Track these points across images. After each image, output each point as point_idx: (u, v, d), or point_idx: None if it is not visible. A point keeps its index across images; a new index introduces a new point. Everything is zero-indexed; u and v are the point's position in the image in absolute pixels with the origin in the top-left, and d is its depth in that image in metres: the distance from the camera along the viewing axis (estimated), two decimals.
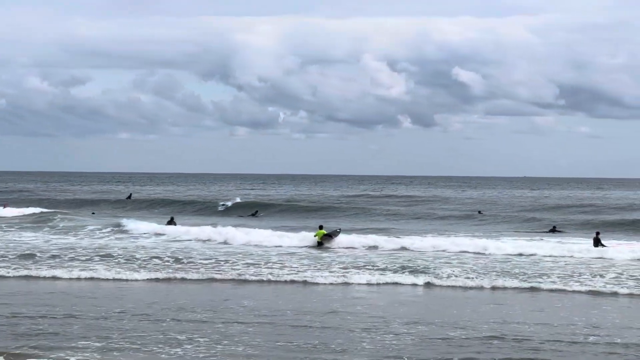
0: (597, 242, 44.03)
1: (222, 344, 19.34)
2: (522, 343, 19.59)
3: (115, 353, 18.23)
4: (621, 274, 32.93)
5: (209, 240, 46.21)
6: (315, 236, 46.24)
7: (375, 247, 43.05)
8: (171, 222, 55.36)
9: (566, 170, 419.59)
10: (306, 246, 43.83)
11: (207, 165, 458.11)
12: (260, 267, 34.52)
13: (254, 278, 31.72)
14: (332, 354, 18.47)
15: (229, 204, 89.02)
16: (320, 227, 48.27)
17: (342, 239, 45.48)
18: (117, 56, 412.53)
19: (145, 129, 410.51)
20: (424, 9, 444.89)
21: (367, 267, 34.68)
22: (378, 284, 30.76)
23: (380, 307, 25.60)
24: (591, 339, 20.31)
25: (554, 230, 61.63)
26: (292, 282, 31.23)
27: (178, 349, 18.68)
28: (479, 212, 77.69)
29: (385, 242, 44.35)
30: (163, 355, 18.21)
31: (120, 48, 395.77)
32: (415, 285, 30.64)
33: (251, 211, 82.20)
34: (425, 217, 74.79)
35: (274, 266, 34.90)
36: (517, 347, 19.21)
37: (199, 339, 19.73)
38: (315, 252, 41.30)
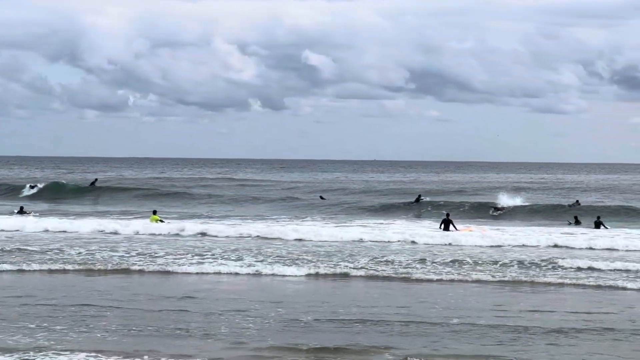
0: (447, 224, 44.58)
1: (77, 330, 18.71)
2: (386, 326, 19.53)
3: None
4: (468, 258, 33.01)
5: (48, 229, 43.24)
6: (149, 221, 45.02)
7: (211, 235, 41.46)
8: (21, 211, 52.61)
9: (416, 153, 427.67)
10: (143, 232, 41.97)
11: (55, 149, 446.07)
12: (107, 253, 33.29)
13: (102, 267, 30.03)
14: (191, 338, 18.07)
15: (41, 185, 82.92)
16: (154, 212, 47.12)
17: (176, 225, 44.08)
18: None
19: None
20: None
21: (214, 254, 33.31)
22: (218, 273, 29.25)
23: (235, 292, 25.23)
24: (455, 320, 20.38)
25: (418, 199, 62.79)
26: (132, 270, 29.67)
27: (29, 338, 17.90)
28: (321, 197, 75.73)
29: (220, 228, 43.07)
30: (10, 342, 17.43)
31: None
32: (260, 274, 29.28)
33: (90, 181, 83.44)
34: (270, 201, 73.34)
35: (121, 252, 33.48)
36: (380, 330, 19.16)
37: (53, 327, 18.97)
38: (160, 239, 39.70)
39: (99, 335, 18.30)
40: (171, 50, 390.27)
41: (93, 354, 16.46)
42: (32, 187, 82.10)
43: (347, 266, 30.62)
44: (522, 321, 20.41)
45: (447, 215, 47.14)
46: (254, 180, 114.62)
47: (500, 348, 17.63)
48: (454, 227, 44.41)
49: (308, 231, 42.35)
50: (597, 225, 48.16)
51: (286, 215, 56.31)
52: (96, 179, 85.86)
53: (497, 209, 61.54)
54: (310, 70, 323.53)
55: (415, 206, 64.25)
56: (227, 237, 41.05)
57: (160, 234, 41.74)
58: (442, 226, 44.60)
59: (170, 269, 29.99)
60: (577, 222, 51.86)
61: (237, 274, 29.30)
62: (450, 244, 38.87)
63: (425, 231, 43.46)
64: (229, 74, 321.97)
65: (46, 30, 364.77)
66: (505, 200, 64.34)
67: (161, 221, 45.32)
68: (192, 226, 43.97)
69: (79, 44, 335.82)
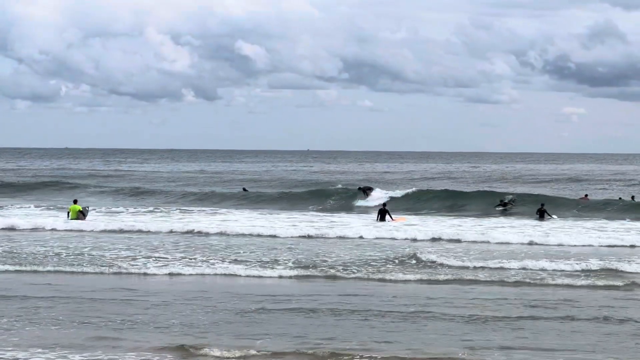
0: (383, 214, 44.14)
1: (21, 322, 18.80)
2: (334, 316, 19.95)
3: None
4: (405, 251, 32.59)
5: None
6: (68, 212, 43.85)
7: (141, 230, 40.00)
8: None
9: (349, 143, 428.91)
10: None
11: None
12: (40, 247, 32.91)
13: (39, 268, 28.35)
14: (139, 331, 18.17)
15: None
16: (75, 202, 45.17)
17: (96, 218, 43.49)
18: None
19: None
20: None
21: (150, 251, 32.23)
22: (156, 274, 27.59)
23: (174, 286, 25.22)
24: (412, 308, 20.76)
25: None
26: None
27: None
28: (244, 189, 73.98)
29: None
30: None
31: None
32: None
33: None
34: (190, 193, 71.61)
35: (56, 248, 32.52)
36: (315, 318, 19.72)
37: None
38: (95, 234, 38.54)
39: (54, 328, 18.37)
40: (103, 40, 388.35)
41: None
42: None
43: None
44: None
45: (384, 205, 46.99)
46: (177, 171, 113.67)
47: None
48: (390, 217, 44.03)
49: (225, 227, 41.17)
50: (542, 214, 46.32)
51: (186, 208, 53.65)
52: None
53: (365, 193, 61.72)
54: (243, 60, 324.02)
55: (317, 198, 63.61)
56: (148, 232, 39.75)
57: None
58: (379, 217, 44.09)
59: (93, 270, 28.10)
60: (504, 205, 51.31)
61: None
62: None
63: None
64: (162, 64, 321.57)
65: None
66: (376, 186, 65.59)
67: (82, 213, 43.47)
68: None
69: (10, 34, 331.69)
